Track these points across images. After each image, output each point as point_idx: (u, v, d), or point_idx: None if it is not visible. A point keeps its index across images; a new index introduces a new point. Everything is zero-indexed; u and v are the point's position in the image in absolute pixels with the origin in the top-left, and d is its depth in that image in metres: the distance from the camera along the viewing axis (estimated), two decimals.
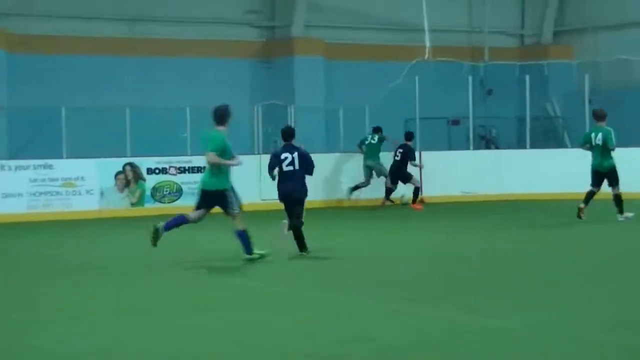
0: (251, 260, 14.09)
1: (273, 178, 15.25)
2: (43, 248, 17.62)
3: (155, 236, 14.31)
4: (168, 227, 14.40)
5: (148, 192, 23.96)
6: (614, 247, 15.95)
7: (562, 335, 8.65)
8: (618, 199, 19.50)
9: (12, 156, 24.71)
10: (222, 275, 13.16)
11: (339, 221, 21.89)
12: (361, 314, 9.96)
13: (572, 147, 29.77)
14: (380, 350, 8.28)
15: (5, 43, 26.37)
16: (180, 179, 24.24)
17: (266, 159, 24.95)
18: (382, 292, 11.31)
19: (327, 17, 30.49)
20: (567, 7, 33.47)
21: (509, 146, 30.21)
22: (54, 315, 10.34)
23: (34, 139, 25.71)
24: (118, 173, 23.73)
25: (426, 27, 28.06)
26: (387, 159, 25.31)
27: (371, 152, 25.50)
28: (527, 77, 28.45)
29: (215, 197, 14.32)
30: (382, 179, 25.30)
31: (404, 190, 25.40)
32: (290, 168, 14.98)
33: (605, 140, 19.49)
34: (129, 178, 23.83)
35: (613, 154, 19.60)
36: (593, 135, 19.79)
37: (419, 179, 25.36)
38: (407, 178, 25.04)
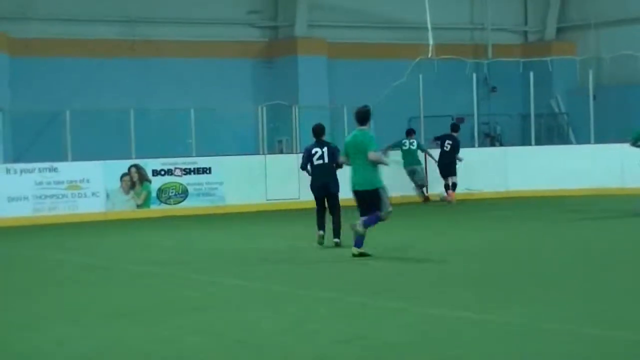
0: (359, 255, 14.06)
1: (308, 173, 16.33)
2: (48, 251, 17.67)
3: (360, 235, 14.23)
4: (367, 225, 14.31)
5: (154, 194, 24.00)
6: (620, 243, 15.85)
7: (562, 333, 8.67)
8: None
9: (17, 159, 24.77)
10: (221, 275, 13.20)
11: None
12: (360, 313, 9.99)
13: (577, 143, 29.83)
14: (379, 350, 8.31)
15: (7, 47, 26.46)
16: (186, 180, 24.28)
17: (271, 159, 25.41)
18: (380, 291, 11.33)
19: (330, 17, 30.53)
20: (570, 3, 33.47)
21: (513, 143, 30.22)
22: (56, 317, 10.38)
23: (37, 142, 25.80)
24: (123, 175, 23.77)
25: (429, 25, 28.11)
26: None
27: (412, 158, 25.49)
28: (531, 74, 28.44)
29: (369, 195, 14.31)
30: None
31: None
32: (320, 162, 16.10)
33: None
34: (135, 180, 23.88)
35: None
36: None
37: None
38: (454, 171, 25.16)
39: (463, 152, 25.69)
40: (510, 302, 10.31)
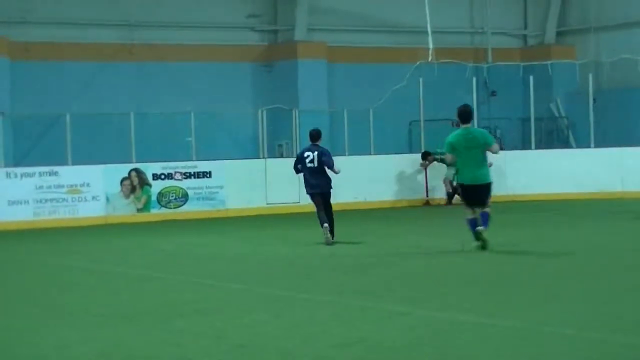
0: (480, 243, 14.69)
1: (297, 172, 17.37)
2: (48, 255, 17.68)
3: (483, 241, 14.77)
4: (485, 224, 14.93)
5: (154, 198, 24.00)
6: (622, 245, 15.88)
7: (562, 335, 8.67)
8: None
9: (17, 163, 24.78)
10: (222, 279, 13.21)
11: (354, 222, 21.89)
12: (360, 316, 10.00)
13: (577, 147, 29.83)
14: (380, 352, 8.32)
15: (7, 51, 26.47)
16: (186, 184, 24.28)
17: (271, 162, 25.42)
18: (380, 294, 11.34)
19: (329, 20, 30.54)
20: (569, 7, 33.47)
21: (513, 147, 30.21)
22: (56, 321, 10.39)
23: (37, 146, 25.81)
24: (124, 179, 23.77)
25: (429, 28, 28.10)
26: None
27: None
28: (531, 78, 28.45)
29: (482, 190, 14.89)
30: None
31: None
32: (311, 165, 16.94)
33: None
34: (135, 184, 23.88)
35: None
36: None
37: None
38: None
39: None
40: (510, 303, 10.31)
